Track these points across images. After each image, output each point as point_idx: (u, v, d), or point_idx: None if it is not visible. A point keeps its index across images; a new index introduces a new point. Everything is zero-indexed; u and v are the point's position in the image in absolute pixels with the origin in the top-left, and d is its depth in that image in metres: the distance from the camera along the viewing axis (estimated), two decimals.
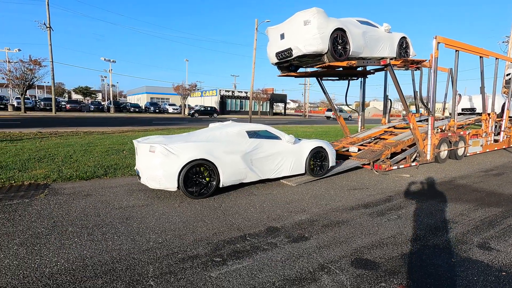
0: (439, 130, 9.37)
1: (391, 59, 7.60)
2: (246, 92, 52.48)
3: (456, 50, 8.48)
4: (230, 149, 5.18)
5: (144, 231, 3.61)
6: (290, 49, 6.67)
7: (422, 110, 11.68)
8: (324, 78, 9.57)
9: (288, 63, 7.55)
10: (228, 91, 51.68)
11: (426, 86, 11.23)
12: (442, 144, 8.85)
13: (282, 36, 6.85)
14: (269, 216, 4.23)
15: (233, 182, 5.21)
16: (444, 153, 9.05)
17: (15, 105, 31.60)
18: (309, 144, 6.25)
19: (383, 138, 9.38)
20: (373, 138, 9.62)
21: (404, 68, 8.35)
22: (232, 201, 4.87)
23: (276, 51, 7.13)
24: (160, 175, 4.65)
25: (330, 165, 6.54)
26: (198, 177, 4.85)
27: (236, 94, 52.10)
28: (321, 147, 6.39)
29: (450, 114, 10.88)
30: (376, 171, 7.37)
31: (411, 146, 8.42)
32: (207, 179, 4.93)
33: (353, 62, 6.77)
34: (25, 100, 29.35)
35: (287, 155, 5.88)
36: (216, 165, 4.92)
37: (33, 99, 38.95)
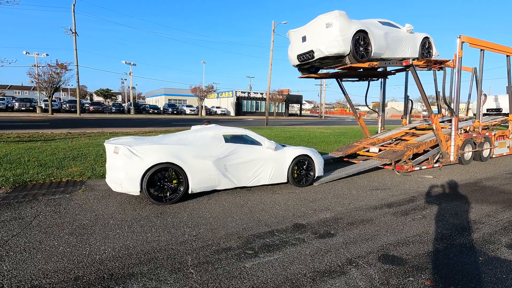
0: (463, 131, 9.19)
1: (414, 59, 7.56)
2: (261, 93, 52.73)
3: (481, 50, 8.32)
4: (202, 153, 4.88)
5: (178, 224, 3.85)
6: (311, 51, 6.80)
7: (444, 111, 11.45)
8: (344, 79, 9.61)
9: (309, 65, 7.68)
10: (244, 92, 52.09)
11: (449, 86, 11.05)
12: (466, 145, 8.68)
13: (304, 39, 6.99)
14: (295, 214, 4.38)
15: (204, 188, 4.93)
16: (468, 155, 8.87)
17: (43, 107, 33.25)
18: (292, 152, 5.78)
19: (404, 139, 9.30)
20: (394, 139, 9.55)
21: (426, 69, 8.28)
22: (257, 199, 5.06)
23: (297, 53, 7.28)
24: (122, 177, 4.41)
25: (316, 174, 5.99)
26: (165, 182, 4.58)
27: (252, 95, 52.44)
28: (306, 155, 5.89)
29: (474, 114, 10.62)
30: (398, 172, 7.35)
31: (433, 147, 8.32)
32: (175, 184, 4.66)
33: (375, 63, 6.81)
34: (52, 102, 30.84)
35: (267, 162, 5.48)
36: (184, 170, 4.62)
37: (59, 101, 40.78)
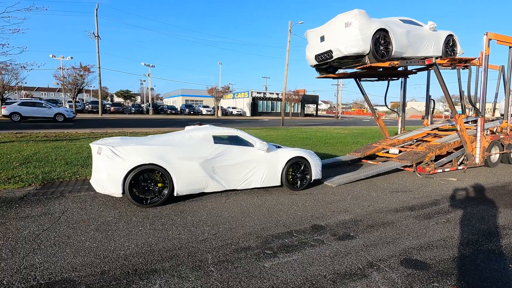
0: (489, 132, 8.79)
1: (437, 58, 7.31)
2: (277, 94, 52.60)
3: (510, 47, 7.93)
4: (188, 154, 4.71)
5: (198, 223, 3.92)
6: (330, 51, 6.72)
7: (468, 111, 11.00)
8: (362, 79, 9.44)
9: (327, 65, 7.59)
10: (260, 92, 52.16)
11: (473, 85, 10.60)
12: (493, 147, 8.30)
13: (322, 39, 6.92)
14: (313, 215, 4.35)
15: (191, 191, 4.76)
16: (495, 157, 8.48)
17: (68, 107, 34.72)
18: (286, 154, 5.50)
19: (426, 141, 9.01)
20: (415, 140, 9.27)
21: (450, 67, 7.99)
22: (274, 199, 5.06)
23: (315, 53, 7.21)
24: (104, 178, 4.31)
25: (313, 178, 5.70)
26: (150, 183, 4.46)
27: (268, 95, 52.42)
28: (302, 157, 5.58)
29: (501, 115, 10.13)
30: (419, 174, 7.13)
31: (457, 149, 8.01)
32: (160, 185, 4.51)
33: (396, 62, 6.65)
34: (75, 103, 32.14)
35: (258, 165, 5.25)
36: (169, 172, 4.48)
37: (82, 102, 42.43)
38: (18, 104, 20.92)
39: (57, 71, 32.40)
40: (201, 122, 6.24)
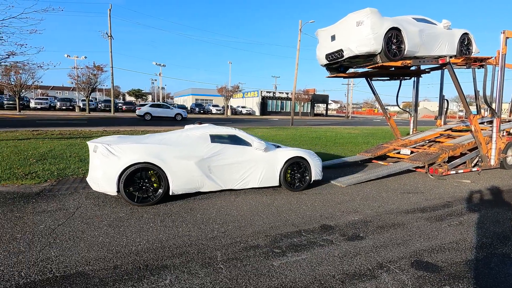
0: (505, 133, 8.54)
1: (451, 57, 7.15)
2: (287, 93, 52.43)
3: None
4: (184, 153, 4.68)
5: (207, 221, 3.97)
6: (341, 50, 6.67)
7: (483, 111, 10.71)
8: (374, 78, 9.32)
9: (338, 64, 7.54)
10: (269, 92, 52.10)
11: (489, 85, 10.30)
12: (509, 148, 8.07)
13: (333, 38, 6.87)
14: (322, 215, 4.34)
15: (187, 190, 4.73)
16: (511, 159, 8.23)
17: (81, 106, 35.55)
18: (285, 153, 5.42)
19: (439, 141, 8.84)
20: (427, 141, 9.10)
21: (465, 67, 7.81)
22: (283, 198, 5.07)
23: (326, 52, 7.17)
24: (99, 176, 4.35)
25: (313, 178, 5.58)
26: (145, 182, 4.44)
27: (277, 95, 52.31)
28: (301, 157, 5.47)
29: None
30: (432, 175, 7.00)
31: (472, 150, 7.82)
32: (155, 185, 4.50)
33: (408, 61, 6.55)
34: (89, 102, 32.86)
35: (256, 164, 5.19)
36: (164, 170, 4.45)
37: (95, 101, 43.32)
38: (149, 106, 25.92)
39: (72, 70, 33.20)
40: (201, 122, 6.21)
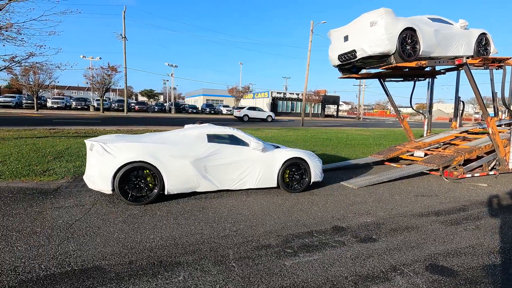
0: None
1: (468, 57, 6.99)
2: (297, 94, 52.21)
3: None
4: (180, 153, 4.66)
5: (219, 220, 4.01)
6: (354, 51, 6.62)
7: (501, 113, 10.40)
8: (387, 79, 9.19)
9: (351, 65, 7.48)
10: (280, 92, 52.01)
11: (508, 86, 10.00)
12: None
13: (346, 38, 6.82)
14: (334, 216, 4.32)
15: (183, 190, 4.70)
16: None
17: (95, 106, 36.38)
18: (283, 154, 5.33)
19: (454, 144, 8.64)
20: (441, 143, 8.92)
21: (483, 67, 7.61)
22: (294, 199, 5.06)
23: (338, 53, 7.13)
24: (95, 175, 4.36)
25: (312, 180, 5.44)
26: (140, 181, 4.43)
27: (288, 95, 52.16)
28: (300, 158, 5.36)
29: None
30: (446, 178, 6.85)
31: (489, 153, 7.61)
32: (151, 184, 4.49)
33: (423, 62, 6.44)
34: (103, 102, 33.61)
35: (253, 165, 5.12)
36: (159, 170, 4.43)
37: (109, 100, 44.25)
38: (247, 109, 30.57)
39: (87, 71, 34.01)
40: (202, 121, 6.18)
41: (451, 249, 3.36)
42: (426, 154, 7.98)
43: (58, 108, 33.91)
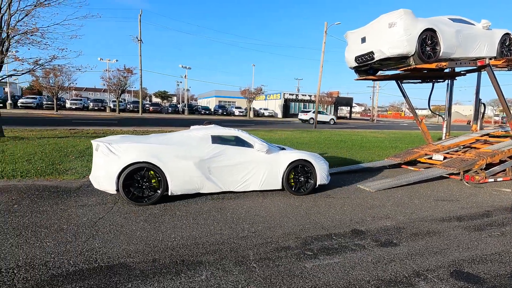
0: None
1: (491, 58, 6.79)
2: (310, 95, 51.92)
3: None
4: (184, 154, 4.66)
5: (237, 220, 4.05)
6: (371, 53, 6.55)
7: None
8: (404, 81, 9.03)
9: (368, 67, 7.40)
10: (292, 94, 51.86)
11: None
12: None
13: (363, 40, 6.76)
14: (352, 219, 4.28)
15: (186, 191, 4.70)
16: None
17: (112, 107, 37.30)
18: (288, 156, 5.25)
19: (475, 147, 8.39)
20: (461, 147, 8.67)
21: (506, 69, 7.37)
22: (311, 201, 5.05)
23: (355, 55, 7.07)
24: (100, 175, 4.41)
25: (318, 182, 5.34)
26: (144, 182, 4.45)
27: (300, 97, 51.93)
28: (305, 160, 5.27)
29: None
30: (467, 183, 6.66)
31: None
32: (155, 185, 4.50)
33: (444, 63, 6.30)
34: (119, 103, 34.42)
35: (258, 166, 5.06)
36: (162, 170, 4.45)
37: (124, 102, 45.29)
38: (312, 112, 33.02)
39: (104, 73, 34.96)
40: (210, 122, 6.17)
41: (476, 256, 3.27)
42: (445, 158, 7.79)
43: (76, 109, 34.97)
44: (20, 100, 33.25)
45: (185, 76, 46.23)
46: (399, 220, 4.31)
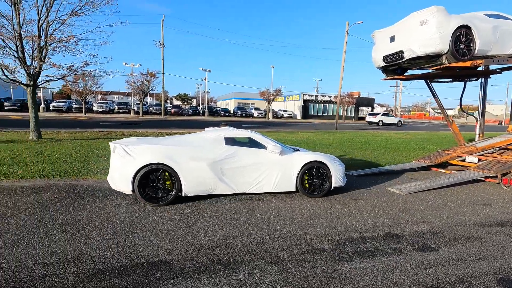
0: None
1: None
2: (329, 96, 51.22)
3: None
4: (197, 155, 4.69)
5: (268, 221, 4.07)
6: (401, 52, 6.39)
7: None
8: (434, 80, 8.72)
9: (396, 66, 7.21)
10: (311, 95, 51.41)
11: None
12: None
13: (392, 39, 6.61)
14: (385, 222, 4.18)
15: (200, 192, 4.74)
16: None
17: (135, 109, 38.61)
18: (302, 157, 5.15)
19: None
20: (497, 148, 8.22)
21: None
22: (340, 203, 4.98)
23: (383, 54, 6.92)
24: (116, 176, 4.52)
25: (334, 185, 5.21)
26: (159, 183, 4.52)
27: (320, 98, 51.34)
28: (320, 161, 5.15)
29: None
30: (506, 186, 6.31)
31: None
32: (169, 186, 4.56)
33: (479, 61, 6.04)
34: (142, 106, 35.57)
35: (271, 168, 5.00)
36: (176, 172, 4.50)
37: (147, 104, 46.73)
38: (381, 115, 36.75)
39: (129, 76, 36.27)
40: (227, 124, 6.13)
41: None
42: (480, 160, 7.43)
43: (102, 112, 36.52)
44: (52, 104, 35.21)
45: (205, 78, 47.06)
46: (435, 224, 4.16)
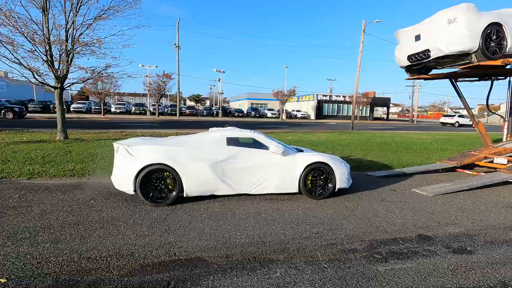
0: None
1: None
2: (344, 96, 50.58)
3: None
4: (199, 155, 4.71)
5: (296, 221, 4.09)
6: (427, 51, 6.26)
7: None
8: (459, 79, 8.49)
9: (421, 65, 7.08)
10: (325, 95, 50.92)
11: None
12: None
13: (418, 38, 6.49)
14: (415, 224, 4.12)
15: (201, 192, 4.73)
16: None
17: (151, 110, 39.39)
18: (305, 158, 5.07)
19: None
20: None
21: None
22: (367, 204, 4.94)
23: (408, 53, 6.81)
24: (118, 176, 4.58)
25: (338, 186, 5.12)
26: (160, 183, 4.54)
27: (334, 98, 50.79)
28: (323, 162, 5.05)
29: None
30: None
31: None
32: (170, 186, 4.57)
33: (511, 60, 5.83)
34: (158, 107, 36.24)
35: (273, 169, 4.95)
36: (178, 172, 4.50)
37: (162, 105, 47.55)
38: (457, 116, 37.77)
39: (145, 78, 37.05)
40: (231, 124, 6.06)
41: None
42: (509, 161, 7.18)
43: (120, 113, 37.45)
44: (72, 105, 36.41)
45: (219, 79, 47.44)
46: (467, 227, 4.07)
